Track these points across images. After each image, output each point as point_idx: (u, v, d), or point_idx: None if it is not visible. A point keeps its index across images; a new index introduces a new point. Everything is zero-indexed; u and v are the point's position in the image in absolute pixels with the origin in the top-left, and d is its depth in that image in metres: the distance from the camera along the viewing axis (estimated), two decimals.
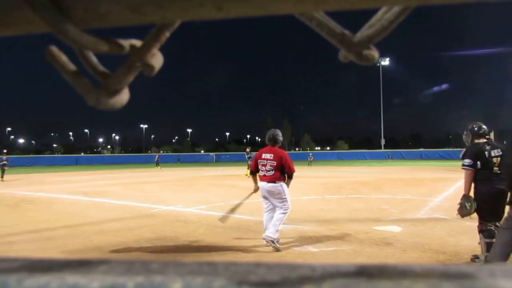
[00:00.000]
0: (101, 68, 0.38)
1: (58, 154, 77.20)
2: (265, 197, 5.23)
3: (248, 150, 20.88)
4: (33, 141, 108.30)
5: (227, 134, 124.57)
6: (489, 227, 4.09)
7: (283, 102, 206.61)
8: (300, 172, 11.20)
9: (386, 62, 64.35)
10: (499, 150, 4.22)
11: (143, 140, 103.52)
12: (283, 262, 0.30)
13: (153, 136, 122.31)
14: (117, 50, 0.37)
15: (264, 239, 4.93)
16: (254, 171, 5.47)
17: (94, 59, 0.38)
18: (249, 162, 19.80)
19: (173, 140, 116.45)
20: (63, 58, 0.38)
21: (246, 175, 19.19)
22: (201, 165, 39.47)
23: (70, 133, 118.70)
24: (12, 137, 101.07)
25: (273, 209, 5.19)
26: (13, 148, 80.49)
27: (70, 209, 8.77)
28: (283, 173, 5.16)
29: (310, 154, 36.77)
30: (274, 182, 5.09)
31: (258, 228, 5.85)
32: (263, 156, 5.24)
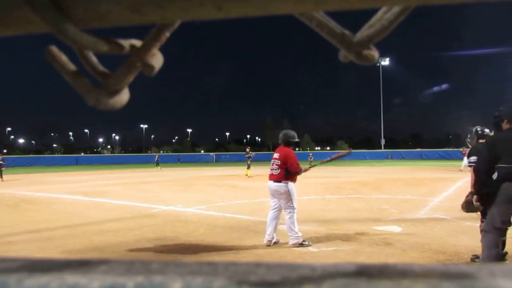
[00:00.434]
0: (101, 68, 0.39)
1: (58, 154, 77.06)
2: (273, 195, 5.31)
3: (248, 150, 20.82)
4: (33, 141, 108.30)
5: (227, 134, 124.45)
6: None
7: (283, 102, 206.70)
8: None
9: (386, 62, 64.22)
10: None
11: (143, 140, 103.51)
12: (283, 262, 0.30)
13: (153, 136, 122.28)
14: (117, 50, 0.37)
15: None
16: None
17: (94, 59, 0.38)
18: (248, 162, 19.80)
19: (173, 140, 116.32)
20: (63, 58, 0.38)
21: (246, 175, 19.19)
22: (201, 165, 39.44)
23: (70, 133, 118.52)
24: (12, 137, 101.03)
25: (280, 208, 5.23)
26: (13, 148, 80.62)
27: (70, 209, 8.78)
28: (288, 172, 5.19)
29: (310, 154, 36.67)
30: (280, 181, 5.15)
31: (258, 228, 5.85)
32: (274, 155, 5.38)
